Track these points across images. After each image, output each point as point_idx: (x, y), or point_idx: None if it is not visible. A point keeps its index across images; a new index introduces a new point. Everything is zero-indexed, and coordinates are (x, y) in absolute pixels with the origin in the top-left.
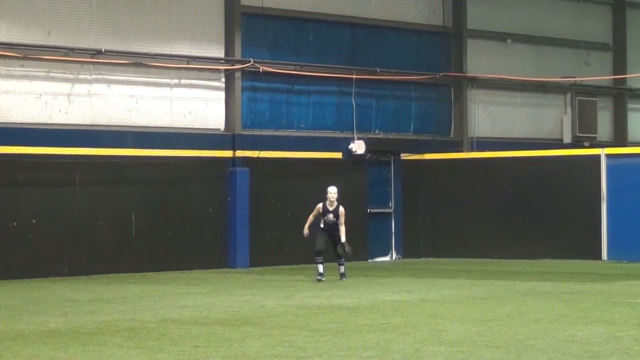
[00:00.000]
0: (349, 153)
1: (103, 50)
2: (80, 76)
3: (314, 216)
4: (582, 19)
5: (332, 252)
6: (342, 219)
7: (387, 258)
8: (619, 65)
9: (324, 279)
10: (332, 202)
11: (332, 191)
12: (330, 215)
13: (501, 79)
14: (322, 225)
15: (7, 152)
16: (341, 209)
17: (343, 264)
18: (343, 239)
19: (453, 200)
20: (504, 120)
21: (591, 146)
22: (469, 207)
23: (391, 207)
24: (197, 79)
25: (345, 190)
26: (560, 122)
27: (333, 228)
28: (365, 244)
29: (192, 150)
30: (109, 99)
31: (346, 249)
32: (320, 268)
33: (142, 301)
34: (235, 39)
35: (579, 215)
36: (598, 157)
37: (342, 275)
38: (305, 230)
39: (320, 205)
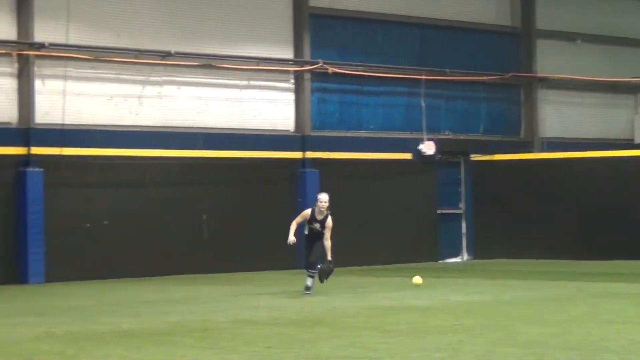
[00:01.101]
0: (418, 154)
1: (173, 52)
2: (151, 78)
3: (297, 223)
4: None
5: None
6: (328, 233)
7: (457, 259)
8: None
9: (311, 292)
10: (321, 210)
11: (323, 199)
12: (317, 225)
13: (571, 79)
14: (306, 232)
15: (79, 153)
16: (329, 221)
17: (313, 276)
18: (329, 256)
19: (523, 201)
20: (574, 121)
21: None
22: (540, 208)
23: (461, 208)
24: (266, 81)
25: (415, 191)
26: (632, 122)
27: (317, 237)
28: (435, 245)
29: (262, 151)
30: (179, 100)
31: (330, 266)
32: (309, 282)
33: (215, 302)
34: (304, 40)
35: None
36: None
37: (308, 288)
38: (291, 237)
39: (308, 211)
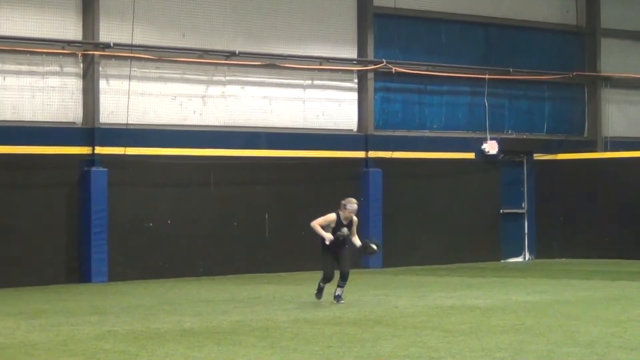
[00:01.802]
0: (481, 153)
1: (237, 52)
2: (215, 78)
3: (320, 225)
4: None
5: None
6: (354, 228)
7: (520, 259)
8: None
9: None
10: (347, 216)
11: (353, 209)
12: (345, 230)
13: (635, 78)
14: (327, 243)
15: (143, 153)
16: (355, 219)
17: (343, 286)
18: (358, 243)
19: (587, 201)
20: (638, 120)
21: None
22: (603, 208)
23: (524, 208)
24: (330, 80)
25: (478, 191)
26: None
27: (341, 245)
28: (498, 244)
29: (325, 150)
30: (243, 100)
31: (373, 244)
32: (339, 291)
33: (276, 301)
34: (368, 40)
35: None
36: None
37: (338, 297)
38: (329, 235)
39: (333, 216)
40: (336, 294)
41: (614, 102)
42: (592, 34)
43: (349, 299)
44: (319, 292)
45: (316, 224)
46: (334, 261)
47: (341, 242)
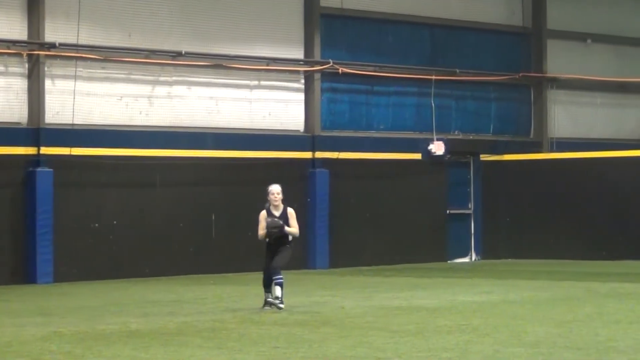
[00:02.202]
0: (428, 154)
1: (183, 52)
2: (161, 78)
3: (263, 228)
4: None
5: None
6: (293, 221)
7: (466, 259)
8: None
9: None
10: (276, 205)
11: (275, 190)
12: (277, 220)
13: (581, 79)
14: (267, 239)
15: (89, 153)
16: (290, 210)
17: (280, 283)
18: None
19: (533, 201)
20: (584, 121)
21: None
22: (549, 208)
23: (470, 208)
24: (276, 81)
25: (424, 191)
26: None
27: (280, 242)
28: (444, 245)
29: (271, 151)
30: (189, 100)
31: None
32: (269, 297)
33: (223, 302)
34: (315, 41)
35: None
36: None
37: (278, 299)
38: (261, 232)
39: (263, 212)
40: (274, 294)
41: (559, 103)
42: (538, 35)
43: (295, 300)
44: (265, 302)
45: (259, 230)
46: (271, 259)
47: (280, 239)
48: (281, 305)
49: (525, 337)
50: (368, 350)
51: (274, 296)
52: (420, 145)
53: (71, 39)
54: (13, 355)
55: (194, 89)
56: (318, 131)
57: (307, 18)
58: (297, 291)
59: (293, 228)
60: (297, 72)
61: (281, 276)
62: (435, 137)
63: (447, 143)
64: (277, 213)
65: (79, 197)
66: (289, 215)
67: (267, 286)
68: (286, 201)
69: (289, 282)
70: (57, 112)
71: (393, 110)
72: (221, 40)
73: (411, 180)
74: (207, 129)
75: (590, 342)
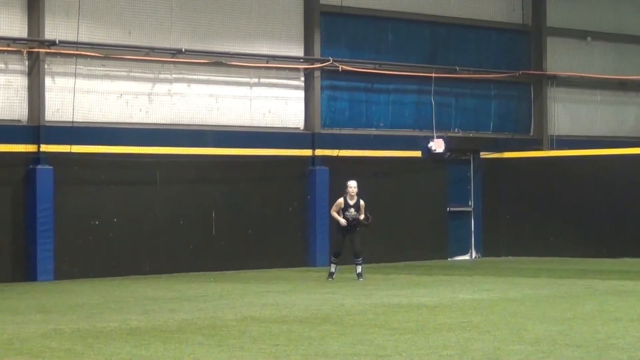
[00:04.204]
0: (428, 152)
1: (183, 50)
2: (161, 76)
3: (335, 211)
4: None
5: (349, 252)
6: (363, 211)
7: (466, 257)
8: None
9: (333, 278)
10: (352, 196)
11: (352, 185)
12: (352, 210)
13: (581, 77)
14: (342, 225)
15: (89, 151)
16: (362, 202)
17: (360, 264)
18: (363, 216)
19: (533, 199)
20: (584, 119)
21: None
22: (549, 206)
23: (471, 206)
24: (276, 78)
25: (424, 189)
26: None
27: (352, 224)
28: (445, 242)
29: (271, 149)
30: (189, 98)
31: (369, 218)
32: (333, 268)
33: (223, 299)
34: (315, 38)
35: None
36: None
37: (359, 275)
38: (343, 220)
39: (341, 200)
40: (357, 272)
41: (559, 101)
42: (538, 33)
43: (295, 297)
44: (330, 274)
45: (332, 211)
46: (344, 241)
47: (352, 222)
48: (361, 279)
49: (525, 334)
50: (368, 347)
51: (357, 272)
52: (420, 143)
53: (71, 37)
54: (13, 353)
55: (194, 86)
56: (318, 129)
57: (307, 15)
58: (298, 289)
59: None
60: (297, 69)
61: (361, 258)
62: (435, 135)
63: (447, 141)
64: (352, 202)
65: (79, 195)
66: (360, 206)
67: (336, 256)
68: (286, 199)
69: (288, 280)
70: (57, 109)
71: (393, 107)
72: (221, 38)
73: (411, 178)
74: (207, 127)
75: (590, 339)
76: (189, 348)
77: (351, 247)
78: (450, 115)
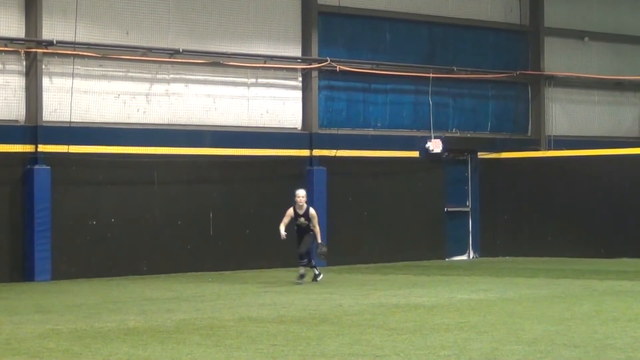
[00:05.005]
0: (426, 152)
1: (181, 50)
2: (158, 76)
3: (285, 224)
4: None
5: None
6: (314, 221)
7: (464, 257)
8: None
9: (303, 281)
10: (301, 205)
11: (301, 194)
12: (302, 219)
13: (578, 77)
14: (295, 229)
15: (86, 151)
16: (312, 211)
17: (304, 265)
18: (319, 240)
19: (531, 199)
20: (581, 119)
21: None
22: (547, 206)
23: (468, 206)
24: (274, 78)
25: (422, 189)
26: (638, 120)
27: (305, 231)
28: (442, 242)
29: (269, 149)
30: (187, 98)
31: (324, 249)
32: (302, 270)
33: (221, 300)
34: (312, 38)
35: None
36: None
37: (301, 276)
38: (282, 233)
39: (291, 210)
40: (300, 272)
41: (557, 101)
42: (536, 33)
43: (293, 297)
44: (299, 276)
45: (281, 224)
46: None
47: (305, 229)
48: (302, 281)
49: (523, 334)
50: (366, 348)
51: (299, 273)
52: (418, 143)
53: (69, 37)
54: (11, 353)
55: (192, 86)
56: (315, 129)
57: (305, 16)
58: (295, 289)
59: (317, 230)
60: (295, 69)
61: (305, 260)
62: (432, 135)
63: (444, 141)
64: (301, 212)
65: (77, 195)
66: (311, 215)
67: (299, 257)
68: (283, 199)
69: (286, 280)
70: (55, 109)
71: (391, 108)
72: (219, 38)
73: (409, 178)
74: (204, 127)
75: (588, 339)
76: (187, 348)
77: (297, 248)
78: (448, 116)
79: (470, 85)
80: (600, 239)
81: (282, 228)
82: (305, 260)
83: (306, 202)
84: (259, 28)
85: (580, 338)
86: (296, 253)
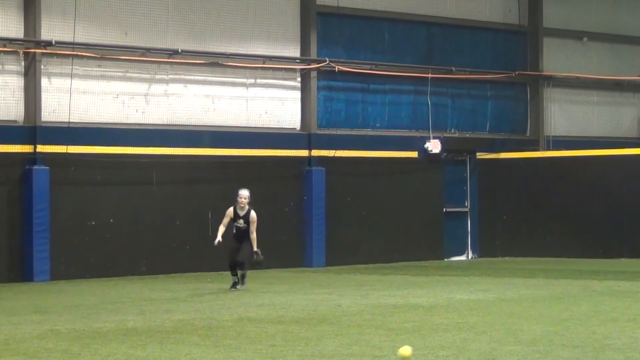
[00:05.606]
0: (424, 152)
1: (179, 51)
2: (157, 76)
3: (224, 225)
4: None
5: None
6: (252, 227)
7: (463, 257)
8: None
9: (237, 288)
10: (242, 207)
11: (243, 195)
12: (241, 221)
13: (577, 77)
14: (234, 231)
15: (85, 151)
16: (252, 214)
17: (238, 274)
18: (255, 247)
19: (529, 199)
20: (580, 119)
21: None
22: (545, 206)
23: (467, 206)
24: (273, 79)
25: (421, 190)
26: (638, 121)
27: (244, 236)
28: (441, 243)
29: (268, 149)
30: (186, 98)
31: (259, 258)
32: (235, 278)
33: (219, 300)
34: (311, 39)
35: None
36: None
37: (237, 282)
38: (218, 238)
39: (230, 209)
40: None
41: (556, 101)
42: (535, 33)
43: (292, 298)
44: (232, 284)
45: (221, 225)
46: (236, 251)
47: (243, 234)
48: (240, 287)
49: (521, 335)
50: (365, 348)
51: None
52: (417, 144)
53: (67, 37)
54: (10, 353)
55: (190, 87)
56: (314, 129)
57: (304, 16)
58: (294, 289)
59: (253, 236)
60: (294, 70)
61: (245, 269)
62: (431, 135)
63: (443, 141)
64: (241, 213)
65: (76, 195)
66: (251, 219)
67: (230, 267)
68: (282, 199)
69: (285, 281)
70: (54, 110)
71: (389, 108)
72: (217, 38)
73: (408, 179)
74: (203, 127)
75: (586, 340)
76: (185, 348)
77: (236, 255)
78: (447, 116)
79: (469, 85)
80: (598, 240)
81: (221, 230)
82: (235, 273)
83: (248, 204)
84: (257, 28)
85: (579, 338)
86: (228, 258)
